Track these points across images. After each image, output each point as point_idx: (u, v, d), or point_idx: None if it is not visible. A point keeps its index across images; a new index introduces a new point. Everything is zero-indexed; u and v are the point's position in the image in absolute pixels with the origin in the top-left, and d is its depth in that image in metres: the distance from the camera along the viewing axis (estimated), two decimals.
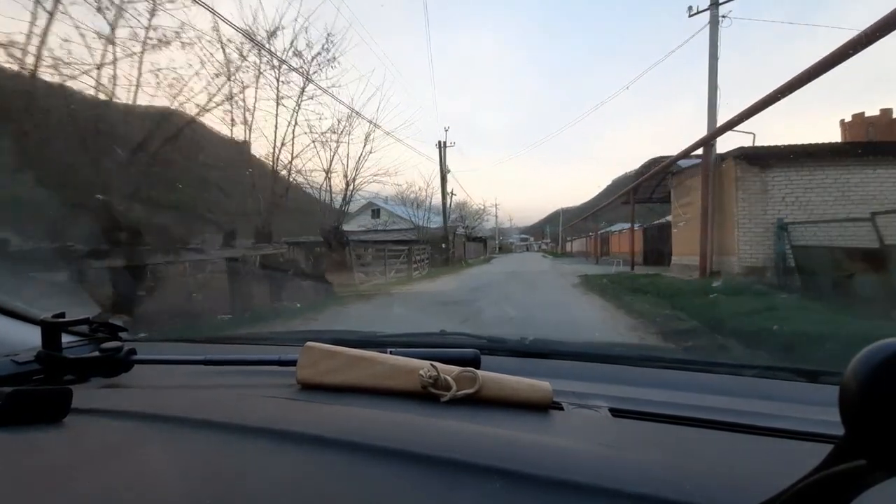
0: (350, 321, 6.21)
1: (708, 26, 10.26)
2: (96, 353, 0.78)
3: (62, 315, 0.76)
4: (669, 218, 20.54)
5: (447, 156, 27.25)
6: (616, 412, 0.66)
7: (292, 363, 0.74)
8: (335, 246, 11.05)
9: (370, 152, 11.72)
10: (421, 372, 0.65)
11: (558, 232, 74.46)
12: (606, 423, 0.64)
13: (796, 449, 0.55)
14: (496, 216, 66.14)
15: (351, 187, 11.69)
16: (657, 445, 0.56)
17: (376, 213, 27.50)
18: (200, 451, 0.50)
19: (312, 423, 0.54)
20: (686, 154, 11.10)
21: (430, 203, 24.96)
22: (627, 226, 33.38)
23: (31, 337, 0.80)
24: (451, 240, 26.76)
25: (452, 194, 34.92)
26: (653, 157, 14.12)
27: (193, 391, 0.76)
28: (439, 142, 25.94)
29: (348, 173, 11.39)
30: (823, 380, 0.84)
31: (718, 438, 0.59)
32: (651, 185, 16.48)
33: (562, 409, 0.66)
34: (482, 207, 42.53)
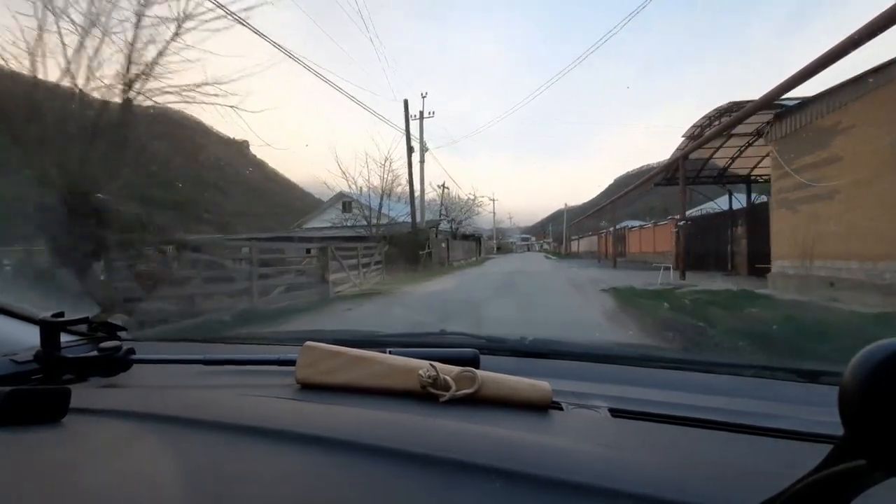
0: None
1: None
2: (95, 353, 0.78)
3: (61, 314, 0.76)
4: (706, 207, 16.78)
5: (423, 129, 20.83)
6: (615, 412, 0.66)
7: (291, 363, 0.74)
8: (66, 238, 4.72)
9: (173, 36, 5.88)
10: (420, 372, 0.65)
11: (561, 231, 70.37)
12: (606, 423, 0.64)
13: (796, 449, 0.55)
14: (493, 212, 59.91)
15: (130, 92, 5.68)
16: (657, 445, 0.56)
17: (347, 206, 21.92)
18: (199, 451, 0.50)
19: (311, 423, 0.54)
20: (814, 71, 5.79)
21: (387, 189, 19.07)
22: (640, 223, 29.95)
23: (30, 336, 0.80)
24: (433, 237, 21.49)
25: (444, 188, 30.18)
26: (728, 102, 9.41)
27: (192, 391, 0.76)
28: (405, 102, 18.95)
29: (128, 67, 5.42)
30: (823, 380, 0.84)
31: (718, 438, 0.59)
32: (701, 159, 12.47)
33: (561, 409, 0.66)
34: (472, 198, 34.66)
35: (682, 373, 0.92)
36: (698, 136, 10.90)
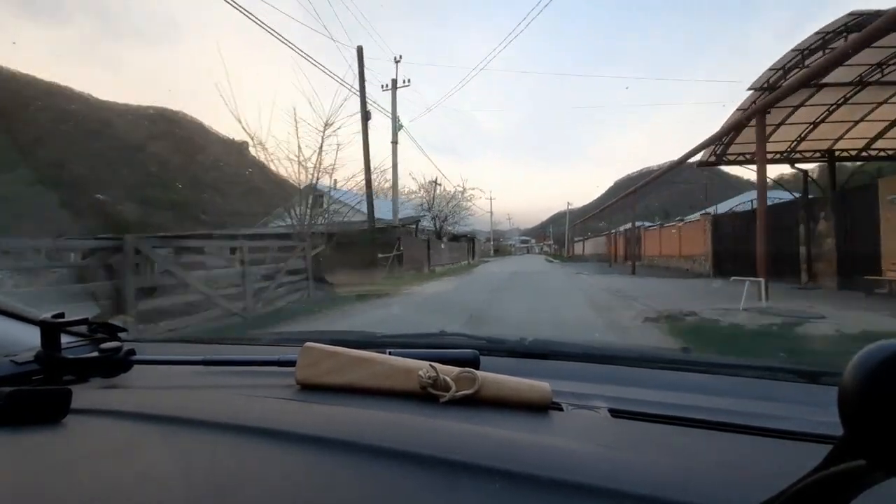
0: None
1: None
2: (95, 354, 0.78)
3: (61, 315, 0.76)
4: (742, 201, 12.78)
5: (396, 102, 16.91)
6: (615, 413, 0.66)
7: (291, 363, 0.74)
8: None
9: None
10: (420, 372, 0.65)
11: (562, 232, 67.15)
12: (606, 423, 0.64)
13: (796, 449, 0.56)
14: (490, 212, 55.90)
15: None
16: (656, 446, 0.56)
17: (318, 200, 17.50)
18: (199, 452, 0.50)
19: (311, 424, 0.54)
20: None
21: (328, 168, 12.68)
22: (649, 223, 26.05)
23: (30, 337, 0.80)
24: (410, 236, 17.83)
25: (436, 183, 26.08)
26: (846, 14, 6.08)
27: (192, 392, 0.76)
28: (359, 49, 14.46)
29: None
30: (823, 380, 0.84)
31: (718, 439, 0.59)
32: (768, 125, 7.67)
33: (561, 409, 0.66)
34: (460, 190, 28.32)
35: (682, 373, 0.92)
36: (775, 84, 6.97)
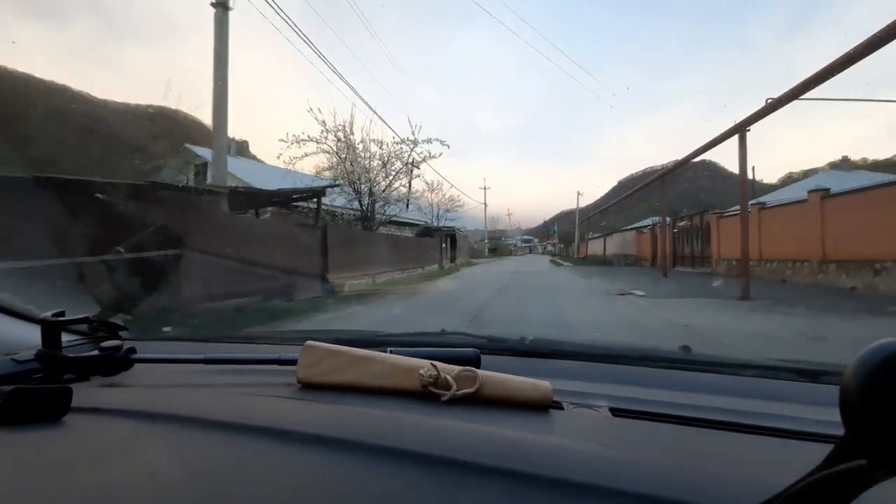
0: None
1: None
2: (96, 352, 0.78)
3: (62, 314, 0.76)
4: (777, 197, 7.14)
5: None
6: (616, 412, 0.66)
7: (292, 362, 0.74)
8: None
9: None
10: (421, 371, 0.65)
11: (568, 230, 59.85)
12: (606, 422, 0.64)
13: (796, 449, 0.56)
14: (485, 204, 46.97)
15: None
16: (657, 445, 0.56)
17: (202, 171, 11.45)
18: (200, 450, 0.50)
19: (312, 423, 0.54)
20: None
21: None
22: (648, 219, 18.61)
23: (31, 336, 0.80)
24: (314, 218, 10.60)
25: (413, 168, 15.18)
26: None
27: (193, 390, 0.76)
28: None
29: None
30: (824, 380, 0.84)
31: (718, 438, 0.59)
32: None
33: (562, 408, 0.66)
34: (410, 142, 15.18)
35: (683, 372, 0.92)
36: None
